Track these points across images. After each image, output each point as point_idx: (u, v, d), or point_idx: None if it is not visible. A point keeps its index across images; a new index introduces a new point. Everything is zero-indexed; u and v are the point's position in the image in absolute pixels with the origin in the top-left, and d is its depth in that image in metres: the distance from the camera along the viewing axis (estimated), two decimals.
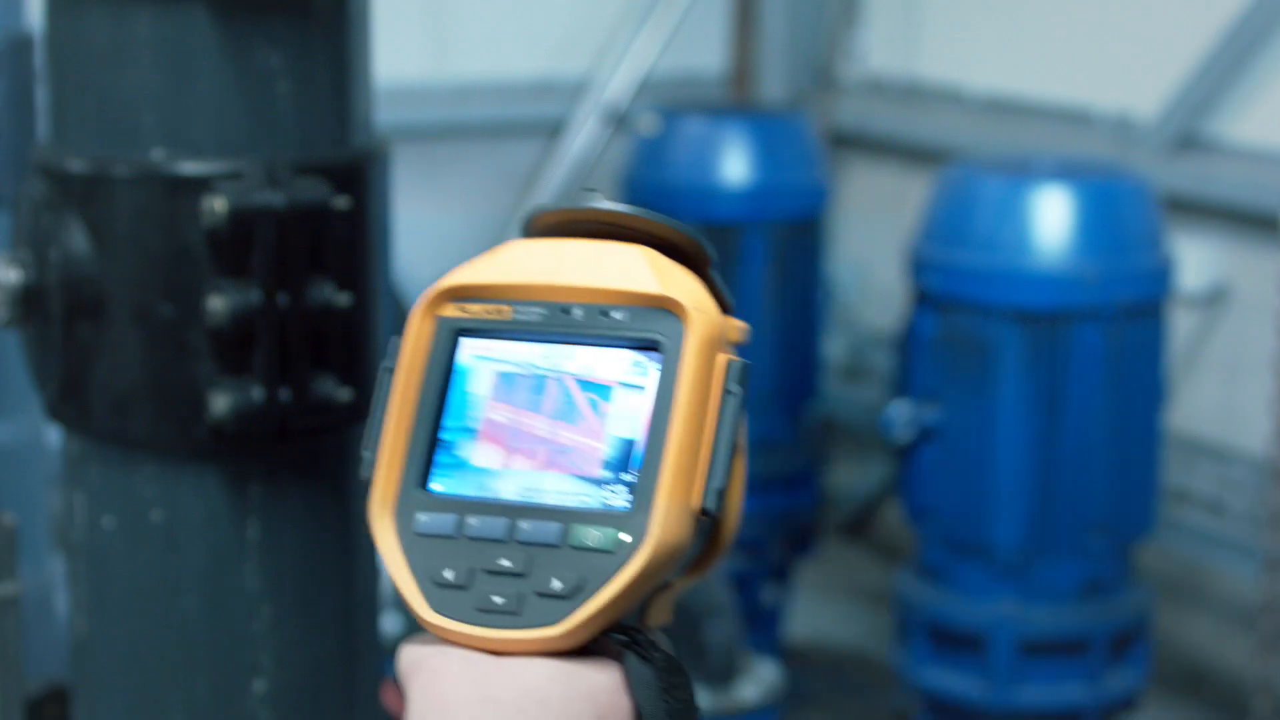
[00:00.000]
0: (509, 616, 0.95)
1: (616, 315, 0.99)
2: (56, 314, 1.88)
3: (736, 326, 1.01)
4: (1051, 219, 3.96)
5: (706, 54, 6.15)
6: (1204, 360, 4.93)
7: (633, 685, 0.95)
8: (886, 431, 4.11)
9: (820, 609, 5.40)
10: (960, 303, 4.00)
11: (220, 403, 1.82)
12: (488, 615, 0.95)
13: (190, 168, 1.84)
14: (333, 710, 1.99)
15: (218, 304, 1.81)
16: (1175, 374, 4.63)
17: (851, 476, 6.03)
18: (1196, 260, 4.76)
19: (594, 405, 0.98)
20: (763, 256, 4.61)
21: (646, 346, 0.98)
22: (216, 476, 1.89)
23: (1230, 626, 4.88)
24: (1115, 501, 4.02)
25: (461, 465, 1.00)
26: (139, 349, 1.86)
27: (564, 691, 0.93)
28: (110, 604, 1.95)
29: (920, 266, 4.12)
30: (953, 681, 4.08)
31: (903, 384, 4.18)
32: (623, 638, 0.97)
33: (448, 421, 1.00)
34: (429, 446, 1.00)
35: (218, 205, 1.80)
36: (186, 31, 1.83)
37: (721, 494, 0.97)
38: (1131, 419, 4.01)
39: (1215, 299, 4.88)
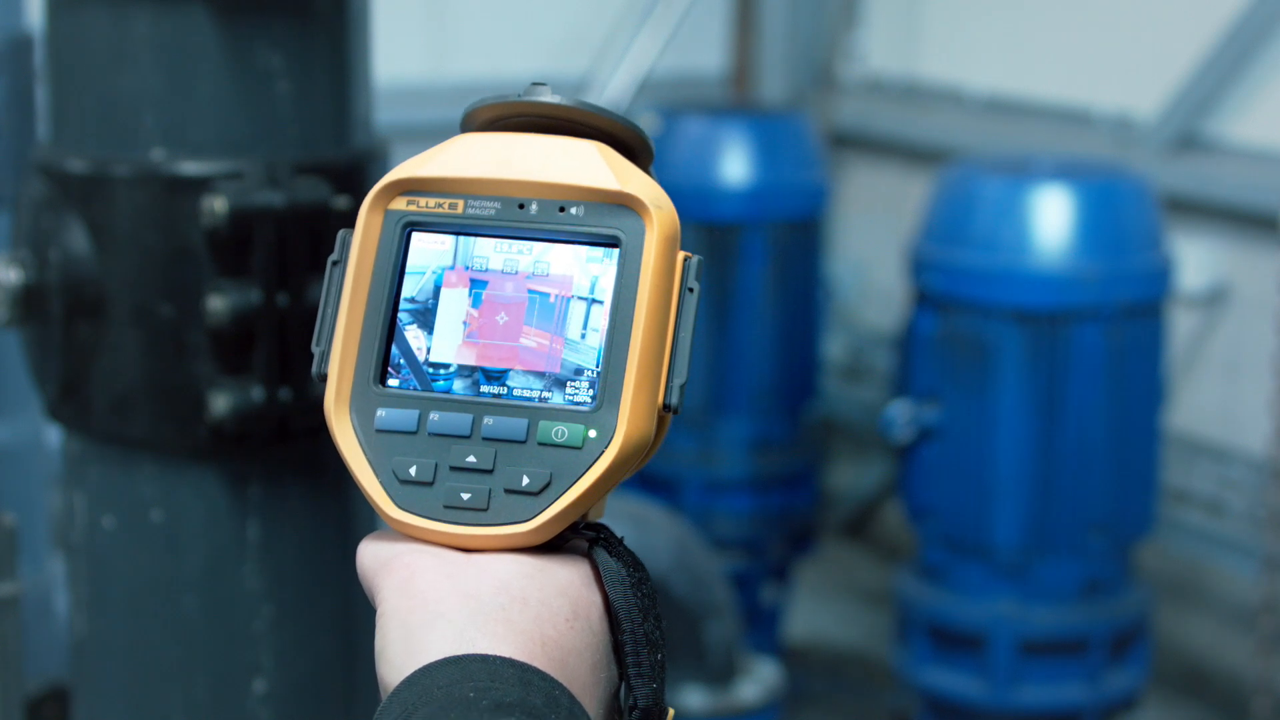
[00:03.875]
0: (477, 513, 0.94)
1: (574, 211, 0.97)
2: (56, 314, 1.88)
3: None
4: (1051, 219, 3.96)
5: (706, 54, 6.15)
6: (1204, 360, 4.93)
7: (604, 580, 0.95)
8: (886, 431, 4.12)
9: (820, 609, 5.40)
10: (960, 303, 4.00)
11: (220, 403, 1.82)
12: (455, 512, 0.95)
13: (190, 168, 1.84)
14: (333, 710, 1.99)
15: (218, 304, 1.81)
16: (1175, 374, 4.63)
17: (851, 476, 6.03)
18: (1196, 260, 4.76)
19: (552, 301, 0.97)
20: (763, 256, 4.61)
21: (605, 243, 0.97)
22: (216, 476, 1.89)
23: (1230, 626, 4.88)
24: (1115, 501, 4.02)
25: (418, 361, 0.98)
26: (139, 349, 1.86)
27: (540, 587, 0.93)
28: (110, 604, 1.95)
29: (920, 266, 4.12)
30: (952, 681, 4.08)
31: (903, 384, 4.18)
32: (590, 533, 0.97)
33: (404, 315, 0.99)
34: (384, 343, 0.98)
35: (218, 205, 1.80)
36: (186, 31, 1.83)
37: (683, 389, 0.97)
38: (1131, 419, 4.01)
39: (1215, 299, 4.88)
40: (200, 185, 1.82)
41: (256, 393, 1.83)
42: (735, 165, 4.63)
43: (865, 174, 6.07)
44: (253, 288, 1.82)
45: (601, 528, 0.98)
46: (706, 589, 3.78)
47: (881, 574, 5.46)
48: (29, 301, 1.89)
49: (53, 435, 3.13)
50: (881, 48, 6.11)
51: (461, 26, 5.77)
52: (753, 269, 4.61)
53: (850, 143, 6.07)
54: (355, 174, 1.91)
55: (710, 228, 4.60)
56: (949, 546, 4.11)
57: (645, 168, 1.02)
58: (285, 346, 1.83)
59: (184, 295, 1.84)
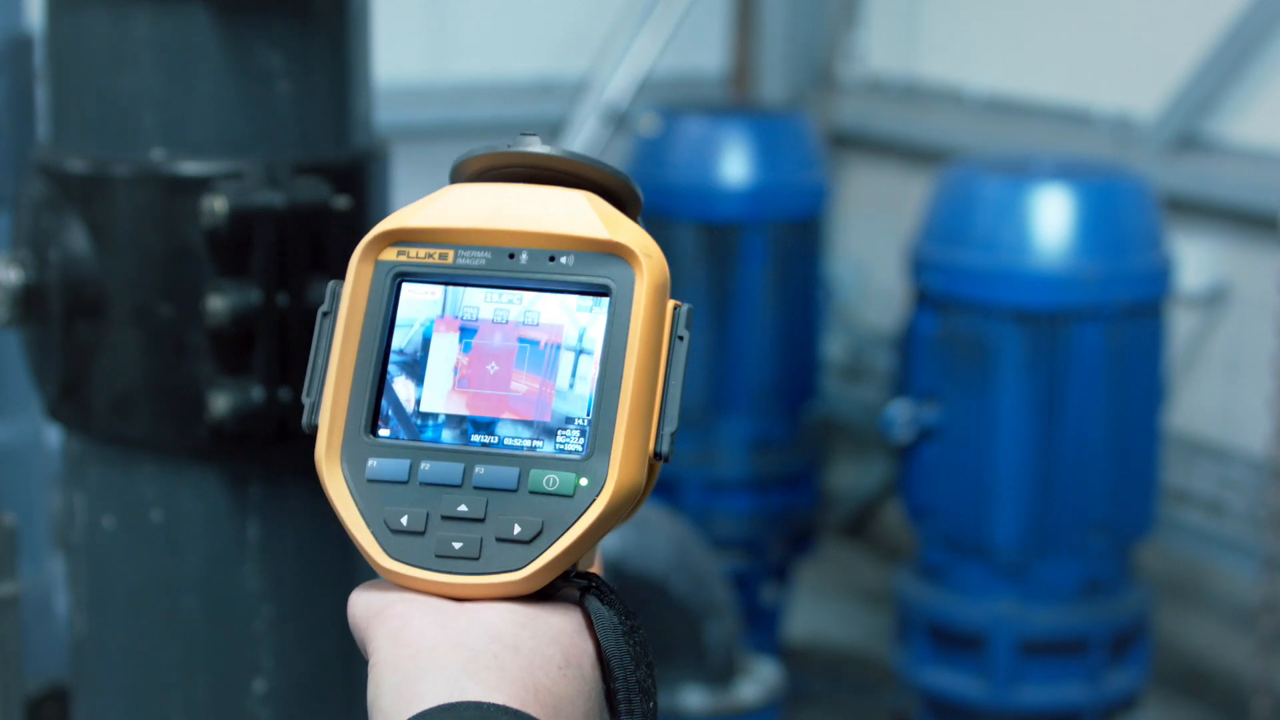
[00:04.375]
0: (469, 562, 0.95)
1: (563, 260, 0.98)
2: (56, 314, 1.88)
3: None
4: (1051, 219, 3.96)
5: (706, 54, 6.15)
6: (1204, 360, 4.93)
7: (596, 628, 0.95)
8: (886, 431, 4.12)
9: (820, 609, 5.40)
10: (960, 303, 4.00)
11: (220, 403, 1.82)
12: (447, 561, 0.95)
13: (190, 168, 1.84)
14: (333, 710, 1.99)
15: (218, 304, 1.81)
16: (1175, 374, 4.63)
17: (851, 476, 6.03)
18: (1196, 260, 4.76)
19: (541, 348, 0.98)
20: (762, 256, 4.61)
21: (595, 292, 0.98)
22: (216, 476, 1.89)
23: (1230, 626, 4.88)
24: (1115, 501, 4.02)
25: (409, 411, 0.99)
26: (139, 349, 1.86)
27: (532, 636, 0.93)
28: (110, 604, 1.95)
29: (920, 266, 4.12)
30: (952, 681, 4.08)
31: (903, 384, 4.19)
32: (582, 582, 0.97)
33: (393, 368, 1.00)
34: (375, 393, 0.99)
35: (218, 205, 1.80)
36: (186, 31, 1.83)
37: (674, 437, 0.97)
38: (1131, 419, 4.01)
39: (1215, 299, 4.88)
40: (200, 185, 1.82)
41: (256, 393, 1.83)
42: (735, 165, 4.63)
43: (865, 174, 6.08)
44: (253, 288, 1.82)
45: (593, 576, 0.98)
46: (706, 589, 3.78)
47: (881, 574, 5.46)
48: (29, 301, 1.90)
49: (53, 435, 3.13)
50: (881, 48, 6.11)
51: (461, 26, 5.77)
52: (753, 269, 4.61)
53: (850, 143, 6.07)
54: (355, 174, 1.91)
55: (710, 228, 4.60)
56: (949, 546, 4.11)
57: (634, 217, 1.03)
58: (285, 346, 1.83)
59: (184, 295, 1.84)
